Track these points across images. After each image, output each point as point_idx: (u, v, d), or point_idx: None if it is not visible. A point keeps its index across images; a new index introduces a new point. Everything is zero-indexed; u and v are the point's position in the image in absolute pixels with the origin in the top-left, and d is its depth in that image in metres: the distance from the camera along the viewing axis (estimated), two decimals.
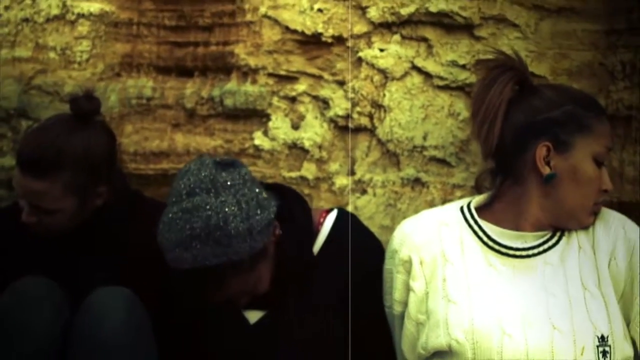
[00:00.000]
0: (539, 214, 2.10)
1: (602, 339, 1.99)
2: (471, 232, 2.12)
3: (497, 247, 2.09)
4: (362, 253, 2.21)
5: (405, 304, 2.11)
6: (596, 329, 1.99)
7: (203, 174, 2.06)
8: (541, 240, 2.09)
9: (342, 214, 2.27)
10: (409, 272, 2.11)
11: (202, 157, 2.13)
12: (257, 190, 2.10)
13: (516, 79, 2.12)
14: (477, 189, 2.21)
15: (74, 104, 2.33)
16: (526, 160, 2.08)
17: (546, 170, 2.06)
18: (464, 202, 2.18)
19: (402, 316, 2.12)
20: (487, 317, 2.00)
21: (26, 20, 2.75)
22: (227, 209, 2.03)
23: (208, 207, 2.03)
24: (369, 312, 2.19)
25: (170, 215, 2.05)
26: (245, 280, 2.11)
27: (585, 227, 2.10)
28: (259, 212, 2.07)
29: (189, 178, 2.06)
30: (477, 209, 2.15)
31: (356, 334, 2.17)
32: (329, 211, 2.27)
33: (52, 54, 2.74)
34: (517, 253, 2.08)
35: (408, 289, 2.11)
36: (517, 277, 2.06)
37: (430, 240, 2.12)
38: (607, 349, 1.98)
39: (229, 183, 2.06)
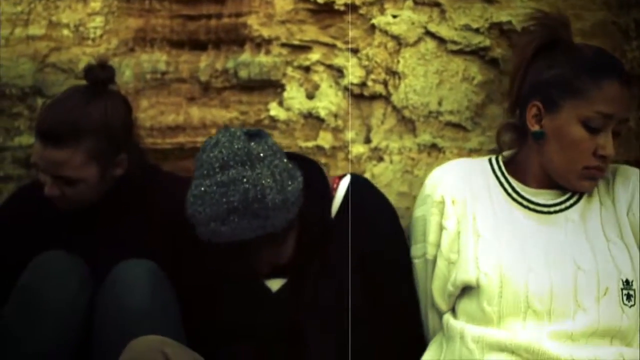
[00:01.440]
0: (538, 171, 2.14)
1: (627, 283, 2.00)
2: (497, 183, 2.16)
3: (519, 199, 2.13)
4: (375, 216, 2.22)
5: (439, 246, 2.14)
6: (620, 272, 2.01)
7: (236, 146, 2.04)
8: (562, 199, 2.13)
9: (355, 179, 2.27)
10: (442, 213, 2.14)
11: (229, 129, 2.11)
12: (285, 160, 2.10)
13: (543, 39, 2.15)
14: (497, 144, 2.25)
15: (89, 73, 2.34)
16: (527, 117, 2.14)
17: (534, 128, 2.11)
18: (493, 155, 2.23)
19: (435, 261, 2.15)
20: (514, 254, 2.02)
21: None
22: (263, 182, 2.02)
23: (245, 180, 2.01)
24: (385, 272, 2.19)
25: (202, 188, 2.03)
26: (277, 252, 2.12)
27: (579, 192, 2.12)
28: (290, 182, 2.07)
29: (221, 150, 2.04)
30: (505, 162, 2.20)
31: (371, 297, 2.17)
32: (341, 177, 2.28)
33: (65, 31, 2.73)
34: (539, 208, 2.11)
35: (442, 229, 2.13)
36: (540, 229, 2.09)
37: (461, 181, 2.16)
38: (631, 292, 2.00)
39: (261, 155, 2.05)
